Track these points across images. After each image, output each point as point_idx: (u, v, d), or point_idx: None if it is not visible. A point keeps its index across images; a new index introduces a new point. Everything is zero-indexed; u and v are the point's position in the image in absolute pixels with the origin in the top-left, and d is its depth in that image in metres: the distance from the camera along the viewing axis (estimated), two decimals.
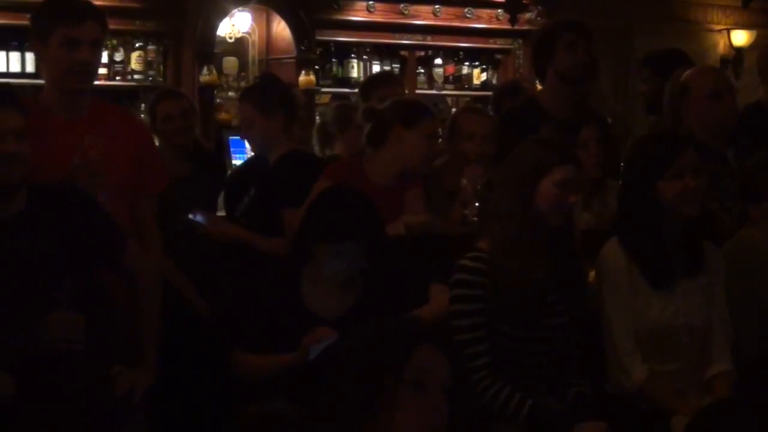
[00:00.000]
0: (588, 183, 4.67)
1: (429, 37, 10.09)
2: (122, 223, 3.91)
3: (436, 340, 2.61)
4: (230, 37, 9.28)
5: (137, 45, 8.74)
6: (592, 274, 4.16)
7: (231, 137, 8.54)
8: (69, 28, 3.94)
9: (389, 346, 2.56)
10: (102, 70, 7.79)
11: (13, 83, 7.54)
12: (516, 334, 3.77)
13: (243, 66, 9.50)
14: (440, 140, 5.31)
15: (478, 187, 4.78)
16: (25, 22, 7.95)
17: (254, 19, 9.46)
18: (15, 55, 8.38)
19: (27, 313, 3.43)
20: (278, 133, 5.26)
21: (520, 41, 10.31)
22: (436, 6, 10.04)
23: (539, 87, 6.02)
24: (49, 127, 3.95)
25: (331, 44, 9.72)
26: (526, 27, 9.80)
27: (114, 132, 4.05)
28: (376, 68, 9.80)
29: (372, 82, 6.46)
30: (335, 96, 9.74)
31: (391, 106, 4.94)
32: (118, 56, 8.69)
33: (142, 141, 4.24)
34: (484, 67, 10.46)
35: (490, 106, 7.14)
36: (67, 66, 3.95)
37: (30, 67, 8.39)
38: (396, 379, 2.50)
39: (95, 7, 4.10)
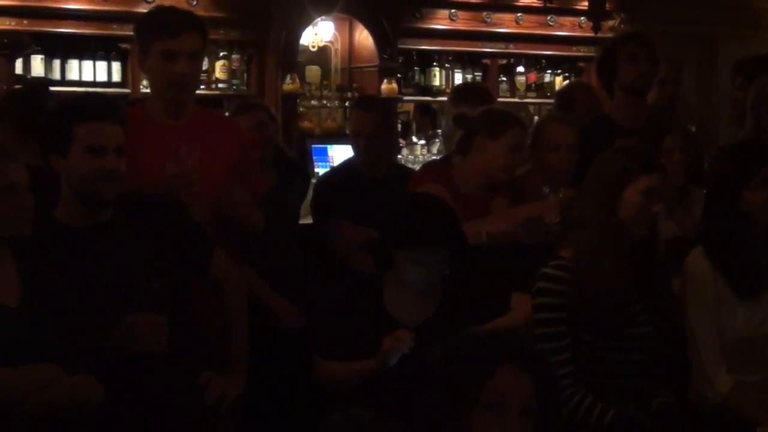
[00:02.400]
0: (672, 191, 4.64)
1: (511, 45, 10.07)
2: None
3: (520, 359, 2.60)
4: (313, 46, 9.33)
5: (221, 54, 8.82)
6: (677, 283, 4.13)
7: (314, 145, 8.60)
8: (166, 41, 4.00)
9: (470, 367, 2.56)
10: None
11: (100, 92, 7.70)
12: (599, 343, 3.76)
13: (326, 74, 9.54)
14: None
15: (561, 195, 4.76)
16: (111, 32, 8.22)
17: (337, 28, 9.50)
18: (102, 65, 8.49)
19: (112, 315, 3.48)
20: None
21: (596, 50, 10.25)
22: (519, 14, 10.02)
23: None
24: (149, 133, 4.01)
25: (414, 52, 9.73)
26: (609, 34, 9.73)
27: (212, 139, 4.10)
28: (458, 76, 9.80)
29: (461, 92, 6.48)
30: (418, 105, 9.77)
31: (478, 115, 4.95)
32: (203, 65, 8.77)
33: (240, 148, 4.27)
34: (566, 75, 10.41)
35: None
36: (166, 78, 4.01)
37: (116, 77, 8.52)
38: (474, 400, 2.51)
39: (194, 18, 4.16)
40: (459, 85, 8.54)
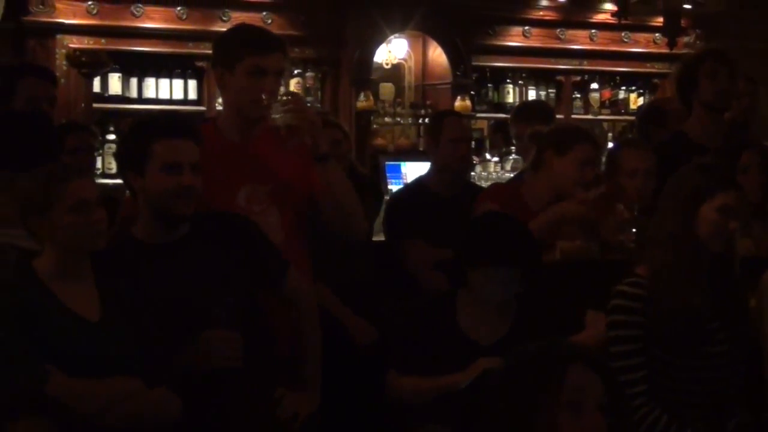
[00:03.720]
0: (748, 209, 4.59)
1: (585, 62, 10.04)
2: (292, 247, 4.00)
3: (587, 358, 2.60)
4: (387, 64, 9.37)
5: (296, 72, 8.88)
6: (753, 301, 4.09)
7: (387, 162, 8.62)
8: (258, 57, 3.98)
9: (541, 367, 2.55)
10: None
11: (177, 110, 7.80)
12: (674, 362, 3.73)
13: (399, 92, 9.57)
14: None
15: (635, 212, 4.73)
16: (188, 51, 8.31)
17: (410, 46, 9.53)
18: (178, 83, 8.60)
19: (188, 330, 3.50)
20: None
21: (676, 66, 10.17)
22: (593, 30, 9.99)
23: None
24: (221, 149, 4.02)
25: (487, 69, 9.73)
26: (684, 51, 9.66)
27: (283, 153, 4.10)
28: (531, 93, 9.79)
29: (522, 111, 6.47)
30: (492, 122, 9.76)
31: (548, 131, 4.95)
32: None
33: (311, 161, 4.20)
34: (641, 91, 10.36)
35: (634, 129, 7.07)
36: (251, 95, 3.99)
37: (192, 94, 8.62)
38: (552, 401, 2.49)
39: (280, 39, 4.16)
40: (520, 104, 8.53)
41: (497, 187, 5.34)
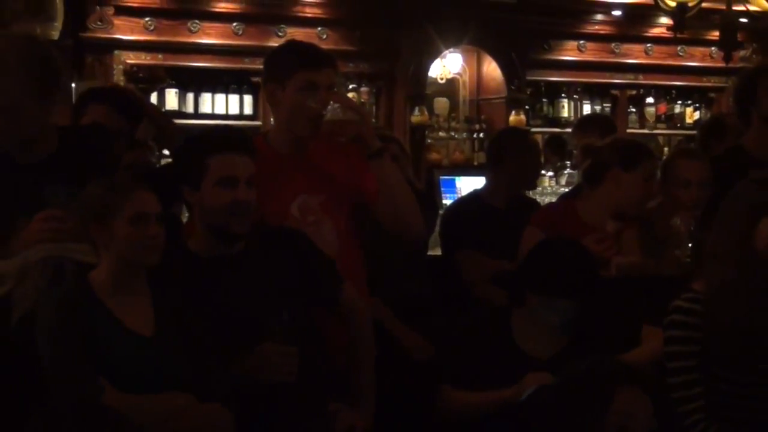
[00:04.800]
0: None
1: (641, 76, 10.01)
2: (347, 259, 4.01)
3: (639, 381, 2.59)
4: (441, 78, 9.38)
5: (351, 86, 8.91)
6: None
7: (441, 177, 8.63)
8: (309, 73, 4.00)
9: (590, 388, 2.55)
10: None
11: (232, 125, 7.85)
12: (734, 378, 3.70)
13: (454, 106, 9.58)
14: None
15: (692, 227, 4.69)
16: (243, 66, 8.37)
17: (465, 60, 9.54)
18: (234, 98, 8.66)
19: (243, 344, 3.51)
20: None
21: (735, 79, 10.11)
22: (648, 44, 9.96)
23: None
24: (273, 161, 4.02)
25: (542, 84, 9.73)
26: (740, 65, 9.60)
27: (335, 162, 4.12)
28: (586, 108, 9.77)
29: (584, 123, 6.44)
30: (547, 136, 9.74)
31: (609, 147, 4.88)
32: None
33: (364, 164, 4.16)
34: (696, 105, 10.31)
35: (693, 144, 7.02)
36: (304, 113, 4.00)
37: (248, 109, 8.68)
38: (599, 423, 2.49)
39: (331, 54, 4.17)
40: (582, 117, 8.50)
41: (548, 210, 5.31)
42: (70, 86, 7.36)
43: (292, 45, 4.28)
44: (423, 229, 4.54)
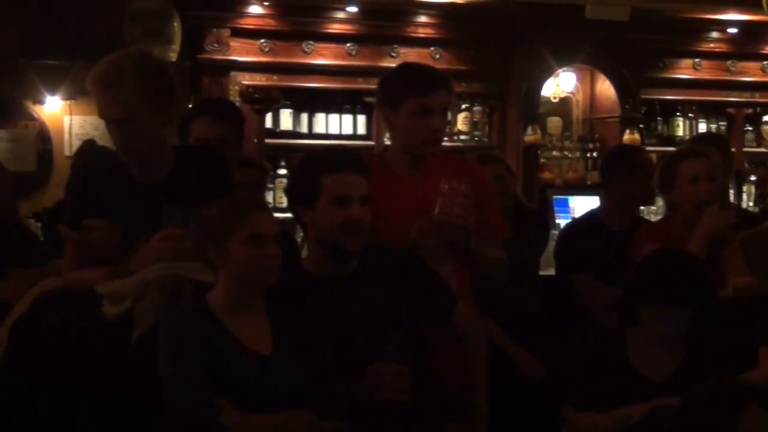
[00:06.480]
0: None
1: (757, 94, 9.85)
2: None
3: (764, 402, 2.56)
4: (554, 97, 9.34)
5: (464, 106, 8.93)
6: None
7: (555, 196, 8.59)
8: (422, 98, 4.03)
9: (717, 408, 2.53)
10: None
11: (346, 144, 7.92)
12: None
13: (567, 125, 9.53)
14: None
15: None
16: (357, 86, 8.44)
17: (579, 79, 9.49)
18: (347, 118, 8.72)
19: (356, 364, 3.53)
20: None
21: None
22: (765, 62, 9.80)
23: None
24: (391, 184, 4.06)
25: (656, 102, 9.63)
26: None
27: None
28: (702, 126, 9.65)
29: (696, 143, 6.38)
30: (662, 155, 9.63)
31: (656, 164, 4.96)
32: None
33: (479, 189, 4.19)
34: None
35: None
36: (420, 136, 4.05)
37: (361, 129, 8.73)
38: None
39: (444, 76, 4.19)
40: (695, 136, 8.41)
41: (649, 226, 5.29)
42: (187, 107, 7.52)
43: (404, 69, 4.30)
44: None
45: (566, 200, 8.59)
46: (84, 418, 3.50)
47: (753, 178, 9.58)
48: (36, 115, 8.16)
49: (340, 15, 8.54)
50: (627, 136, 9.08)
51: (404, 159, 4.15)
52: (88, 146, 5.56)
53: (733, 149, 9.04)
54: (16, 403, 3.54)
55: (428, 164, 4.15)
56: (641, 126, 9.36)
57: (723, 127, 9.77)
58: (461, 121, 8.94)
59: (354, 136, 8.68)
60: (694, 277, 3.91)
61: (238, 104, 8.02)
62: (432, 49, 8.72)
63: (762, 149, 9.92)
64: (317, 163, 3.73)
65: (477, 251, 4.09)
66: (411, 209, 4.02)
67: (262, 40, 8.34)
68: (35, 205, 7.52)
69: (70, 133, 8.16)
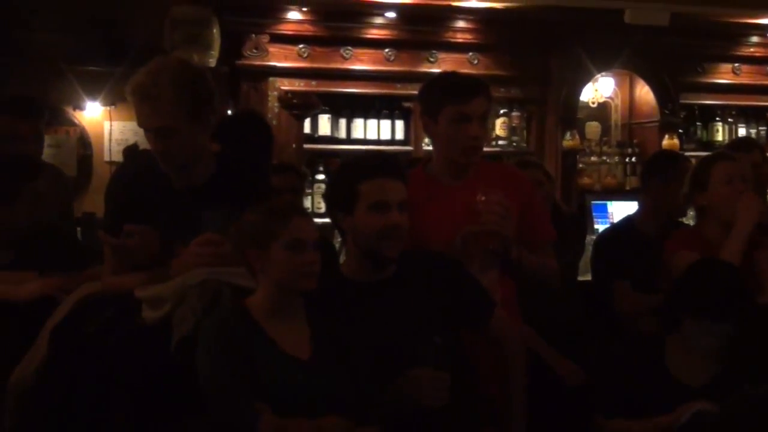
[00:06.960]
0: None
1: None
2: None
3: None
4: (593, 102, 9.32)
5: (502, 112, 8.92)
6: None
7: (593, 202, 8.56)
8: (459, 105, 4.04)
9: (760, 417, 2.51)
10: None
11: (384, 150, 7.91)
12: None
13: (605, 131, 9.50)
14: None
15: None
16: (395, 92, 8.45)
17: (617, 84, 9.46)
18: (386, 123, 8.72)
19: (395, 369, 3.54)
20: None
21: None
22: None
23: None
24: (434, 195, 4.08)
25: (696, 107, 9.58)
26: None
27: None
28: (741, 131, 9.60)
29: (730, 148, 6.35)
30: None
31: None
32: None
33: (525, 195, 4.21)
34: None
35: None
36: (459, 144, 4.06)
37: (399, 135, 8.73)
38: None
39: (482, 83, 4.20)
40: (731, 141, 8.36)
41: (680, 233, 5.26)
42: (226, 112, 7.55)
43: (441, 78, 4.30)
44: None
45: (605, 205, 8.56)
46: (123, 422, 3.53)
47: None
48: (77, 121, 8.20)
49: (379, 20, 8.54)
50: (666, 141, 9.04)
51: (446, 169, 4.16)
52: (130, 152, 5.60)
53: None
54: (56, 408, 3.56)
55: (471, 173, 4.15)
56: (680, 131, 9.32)
57: (763, 132, 9.71)
58: (499, 127, 8.93)
59: (392, 142, 8.68)
60: (736, 291, 3.89)
61: (277, 110, 8.10)
62: (470, 54, 8.71)
63: None
64: (355, 169, 3.74)
65: (522, 258, 4.08)
66: (453, 219, 4.02)
67: (301, 46, 8.36)
68: (76, 210, 7.57)
69: (110, 139, 8.20)
